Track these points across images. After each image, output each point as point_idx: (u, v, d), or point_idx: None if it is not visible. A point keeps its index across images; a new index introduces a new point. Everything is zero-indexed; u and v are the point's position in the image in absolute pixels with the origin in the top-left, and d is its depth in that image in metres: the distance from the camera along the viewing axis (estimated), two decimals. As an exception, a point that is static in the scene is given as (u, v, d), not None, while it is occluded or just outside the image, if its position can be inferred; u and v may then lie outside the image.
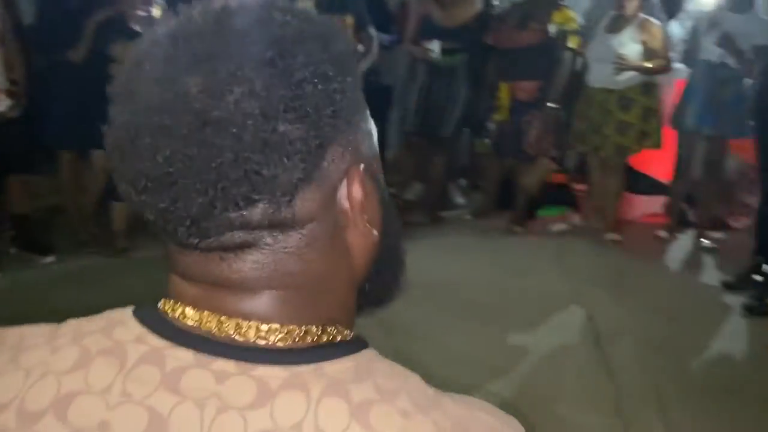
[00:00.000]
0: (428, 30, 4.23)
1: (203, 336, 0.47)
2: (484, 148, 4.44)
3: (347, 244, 0.50)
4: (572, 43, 4.03)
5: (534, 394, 2.51)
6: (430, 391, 0.48)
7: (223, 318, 0.47)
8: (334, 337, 0.49)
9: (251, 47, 0.45)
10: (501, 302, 3.30)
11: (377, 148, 0.53)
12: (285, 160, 0.44)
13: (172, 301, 0.49)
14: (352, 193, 0.48)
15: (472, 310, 3.18)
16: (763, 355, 2.84)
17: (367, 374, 0.47)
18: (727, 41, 3.66)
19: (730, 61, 3.74)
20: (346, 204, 0.49)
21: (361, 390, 0.45)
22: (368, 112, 0.52)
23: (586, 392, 2.55)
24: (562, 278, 3.63)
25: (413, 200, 4.78)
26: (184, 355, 0.46)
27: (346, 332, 0.50)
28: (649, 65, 3.88)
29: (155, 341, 0.47)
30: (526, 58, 4.08)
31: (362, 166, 0.49)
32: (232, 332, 0.47)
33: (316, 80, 0.45)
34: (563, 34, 4.05)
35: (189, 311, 0.48)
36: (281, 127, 0.44)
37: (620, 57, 3.86)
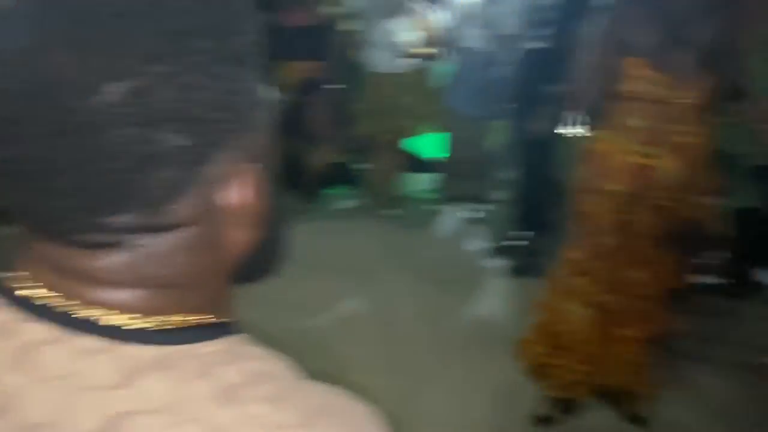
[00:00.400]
0: None
1: (63, 312, 0.41)
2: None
3: (224, 242, 0.46)
4: (346, 25, 4.14)
5: (332, 365, 2.57)
6: (297, 377, 0.47)
7: (84, 303, 0.42)
8: (205, 322, 0.46)
9: (139, 35, 0.38)
10: (293, 276, 3.31)
11: (267, 142, 0.49)
12: (162, 171, 0.39)
13: (29, 280, 0.43)
14: (235, 193, 0.45)
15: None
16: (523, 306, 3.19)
17: (236, 357, 0.45)
18: (487, 28, 4.04)
19: (489, 48, 4.12)
20: (228, 203, 0.45)
21: (228, 373, 0.43)
22: (264, 104, 0.48)
23: (377, 359, 2.67)
24: (346, 253, 3.75)
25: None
26: (40, 330, 0.41)
27: (216, 319, 0.48)
28: (425, 51, 4.13)
29: (6, 313, 0.41)
30: (302, 39, 4.11)
31: (248, 164, 0.45)
32: (94, 314, 0.42)
33: (208, 82, 0.40)
34: (337, 17, 4.14)
35: (46, 292, 0.42)
36: (161, 137, 0.38)
37: (398, 42, 4.07)
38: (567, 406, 2.34)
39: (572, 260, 2.20)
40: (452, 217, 4.54)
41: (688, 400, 2.46)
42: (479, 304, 3.34)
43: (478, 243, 4.07)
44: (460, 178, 4.80)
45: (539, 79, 3.45)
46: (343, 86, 4.40)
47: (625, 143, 1.99)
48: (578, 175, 2.18)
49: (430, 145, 4.87)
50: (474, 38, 4.16)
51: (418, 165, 4.94)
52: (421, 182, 4.95)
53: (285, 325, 2.83)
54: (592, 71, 1.96)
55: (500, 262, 3.69)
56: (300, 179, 4.48)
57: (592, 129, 2.19)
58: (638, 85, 1.92)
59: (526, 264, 3.59)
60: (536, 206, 3.69)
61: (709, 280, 3.22)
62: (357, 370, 2.56)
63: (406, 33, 4.11)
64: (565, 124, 3.81)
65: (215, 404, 0.41)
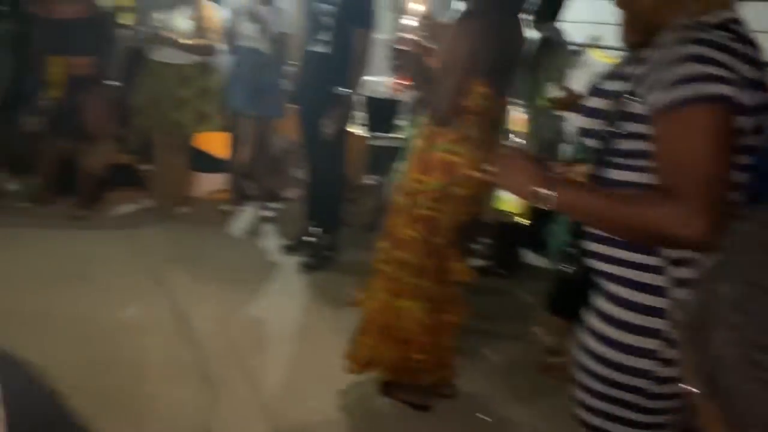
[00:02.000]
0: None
1: None
2: (36, 127, 4.03)
3: None
4: (124, 19, 3.96)
5: (128, 374, 2.48)
6: None
7: None
8: None
9: None
10: (81, 289, 3.12)
11: None
12: None
13: None
14: None
15: (31, 303, 2.93)
16: (319, 303, 3.34)
17: None
18: (259, 27, 4.11)
19: (263, 47, 4.19)
20: None
21: None
22: None
23: (172, 366, 2.63)
24: (137, 259, 3.60)
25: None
26: None
27: None
28: (202, 43, 4.08)
29: None
30: (77, 32, 3.85)
31: None
32: None
33: None
34: (114, 9, 3.95)
35: None
36: None
37: (176, 35, 3.99)
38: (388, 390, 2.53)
39: (385, 250, 2.39)
40: (244, 216, 4.55)
41: (478, 370, 2.78)
42: (273, 301, 3.42)
43: (271, 241, 4.14)
44: (249, 176, 4.82)
45: (323, 81, 3.60)
46: (121, 83, 4.19)
47: (462, 149, 2.25)
48: (399, 172, 2.42)
49: (217, 143, 4.82)
50: (249, 36, 4.20)
51: (208, 164, 4.87)
52: (210, 182, 4.88)
53: (72, 335, 2.68)
54: (449, 88, 2.18)
55: (293, 259, 3.80)
56: (76, 184, 4.18)
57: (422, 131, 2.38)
58: (475, 100, 2.23)
59: (317, 260, 3.74)
60: (327, 203, 3.86)
61: (482, 262, 3.65)
62: (152, 380, 2.50)
63: (181, 23, 4.03)
64: (353, 124, 4.05)
65: None
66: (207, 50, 4.13)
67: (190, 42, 4.04)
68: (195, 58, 4.11)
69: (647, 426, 1.23)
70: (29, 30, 3.94)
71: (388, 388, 2.52)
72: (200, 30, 4.07)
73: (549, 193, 1.16)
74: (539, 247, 2.90)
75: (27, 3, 3.89)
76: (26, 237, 3.71)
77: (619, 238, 1.20)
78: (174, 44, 4.01)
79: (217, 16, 4.23)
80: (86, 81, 3.92)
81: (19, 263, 3.36)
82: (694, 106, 1.06)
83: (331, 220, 3.84)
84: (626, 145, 1.18)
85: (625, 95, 1.16)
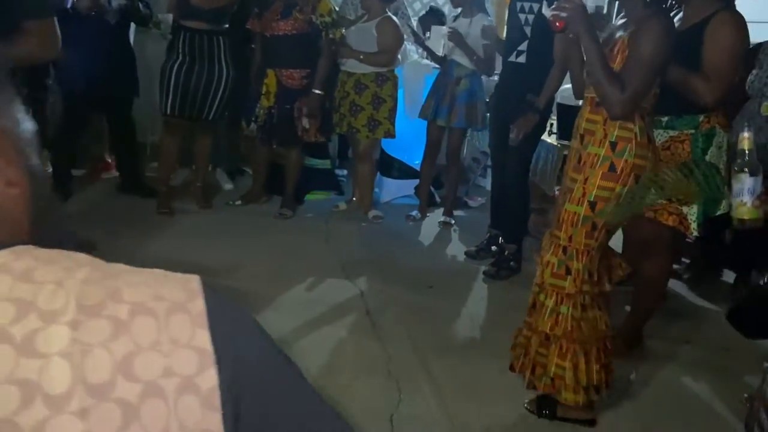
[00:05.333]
0: (186, 10, 4.14)
1: None
2: (251, 133, 4.49)
3: None
4: (335, 34, 4.28)
5: (318, 365, 2.69)
6: (98, 260, 0.58)
7: None
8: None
9: None
10: (274, 280, 3.44)
11: (28, 126, 0.63)
12: None
13: None
14: None
15: (249, 295, 3.26)
16: (501, 313, 3.34)
17: (25, 253, 0.56)
18: (456, 39, 4.19)
19: (462, 60, 4.27)
20: None
21: (20, 262, 0.55)
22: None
23: (362, 360, 2.79)
24: (332, 257, 3.87)
25: (179, 187, 4.66)
26: None
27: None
28: (371, 56, 4.30)
29: None
30: (292, 47, 4.23)
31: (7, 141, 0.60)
32: None
33: None
34: (325, 25, 4.27)
35: None
36: None
37: (356, 47, 4.27)
38: None
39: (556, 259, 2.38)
40: (432, 222, 4.67)
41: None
42: (461, 306, 3.47)
43: (456, 248, 4.21)
44: (437, 184, 4.95)
45: (518, 91, 3.61)
46: (328, 92, 4.52)
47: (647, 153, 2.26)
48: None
49: (410, 151, 5.01)
50: (448, 50, 4.31)
51: (397, 171, 5.09)
52: (400, 188, 5.08)
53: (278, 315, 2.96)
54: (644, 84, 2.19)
55: (477, 267, 3.84)
56: (283, 185, 4.58)
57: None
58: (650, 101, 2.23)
59: (501, 269, 3.74)
60: (512, 213, 3.84)
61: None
62: (346, 372, 2.68)
63: (365, 40, 4.28)
64: (545, 133, 4.00)
65: (16, 281, 0.53)
66: (384, 61, 4.33)
67: (368, 53, 4.28)
68: (373, 69, 4.33)
69: None
70: (246, 45, 4.43)
71: (549, 404, 2.45)
72: (381, 45, 4.29)
73: None
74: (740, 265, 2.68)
75: (244, 21, 4.35)
76: (237, 232, 4.16)
77: None
78: (352, 55, 4.30)
79: (400, 30, 4.43)
80: (297, 91, 4.29)
81: (239, 254, 3.77)
82: None
83: (516, 230, 3.82)
84: None
85: None
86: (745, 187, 1.29)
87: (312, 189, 4.87)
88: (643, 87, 2.12)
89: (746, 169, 1.29)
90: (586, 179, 2.25)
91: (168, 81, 4.18)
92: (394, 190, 5.04)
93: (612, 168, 2.21)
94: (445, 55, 4.35)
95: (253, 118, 4.43)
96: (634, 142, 2.20)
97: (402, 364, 2.78)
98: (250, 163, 4.96)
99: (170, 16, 4.34)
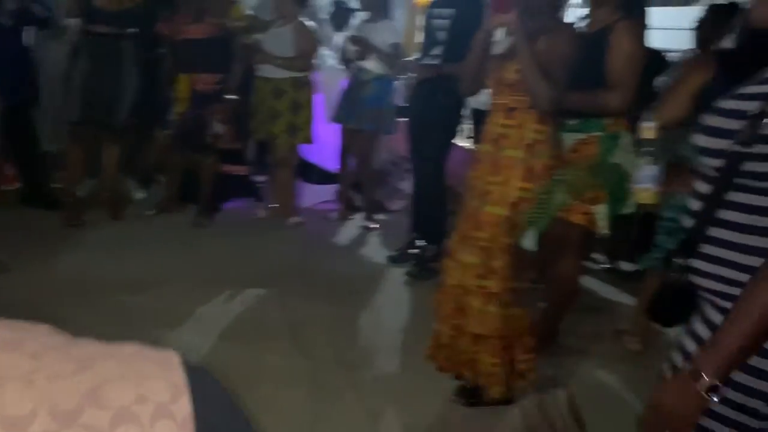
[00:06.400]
0: (89, 12, 3.97)
1: None
2: (165, 140, 4.35)
3: None
4: (248, 39, 4.21)
5: (238, 379, 2.62)
6: (63, 336, 0.49)
7: None
8: None
9: None
10: (192, 294, 3.34)
11: None
12: None
13: None
14: None
15: (166, 312, 3.15)
16: (423, 315, 3.37)
17: None
18: (359, 42, 4.22)
19: (370, 65, 4.30)
20: None
21: None
22: None
23: (283, 372, 2.74)
24: (252, 267, 3.79)
25: (87, 197, 4.44)
26: None
27: None
28: (287, 61, 4.26)
29: None
30: (204, 51, 4.12)
31: None
32: None
33: None
34: (238, 29, 4.19)
35: None
36: None
37: (272, 52, 4.22)
38: None
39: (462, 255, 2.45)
40: (352, 226, 4.67)
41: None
42: (379, 310, 3.47)
43: (377, 251, 4.22)
44: (357, 188, 4.95)
45: (433, 95, 3.66)
46: (243, 97, 4.44)
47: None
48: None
49: (328, 156, 4.98)
50: (354, 54, 4.34)
51: (317, 176, 5.06)
52: (321, 193, 5.05)
53: (197, 335, 2.86)
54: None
55: (399, 270, 3.86)
56: (199, 193, 4.46)
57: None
58: None
59: (422, 270, 3.77)
60: (431, 215, 3.89)
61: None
62: (268, 383, 2.62)
63: (282, 44, 4.25)
64: (459, 137, 4.07)
65: None
66: (301, 66, 4.30)
67: (285, 58, 4.24)
68: (290, 74, 4.29)
69: None
70: (157, 49, 4.29)
71: (475, 392, 2.51)
72: (299, 50, 4.25)
73: (710, 383, 1.07)
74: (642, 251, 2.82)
75: (153, 24, 4.21)
76: (151, 243, 4.01)
77: (733, 259, 1.18)
78: (270, 61, 4.24)
79: (324, 37, 4.42)
80: (210, 96, 4.18)
81: (151, 266, 3.63)
82: None
83: (435, 231, 3.87)
84: (760, 167, 1.15)
85: (757, 115, 1.13)
86: (646, 174, 1.36)
87: (230, 196, 4.76)
88: (636, 82, 2.44)
89: (648, 158, 1.36)
90: (505, 181, 2.33)
91: (72, 87, 3.98)
92: (314, 195, 5.00)
93: (529, 169, 2.29)
94: (351, 59, 4.36)
95: (166, 124, 4.29)
96: (548, 143, 2.29)
97: (324, 373, 2.75)
98: (163, 171, 4.80)
99: (75, 21, 4.15)
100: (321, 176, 5.04)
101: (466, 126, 4.41)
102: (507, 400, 2.51)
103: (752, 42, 1.69)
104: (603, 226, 2.67)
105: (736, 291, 1.18)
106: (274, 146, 4.50)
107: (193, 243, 4.10)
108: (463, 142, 4.43)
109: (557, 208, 2.65)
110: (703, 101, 2.31)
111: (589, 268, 3.87)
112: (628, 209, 2.69)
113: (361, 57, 4.28)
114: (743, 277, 1.17)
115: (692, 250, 1.26)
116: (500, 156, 2.36)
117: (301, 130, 4.40)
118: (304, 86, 4.39)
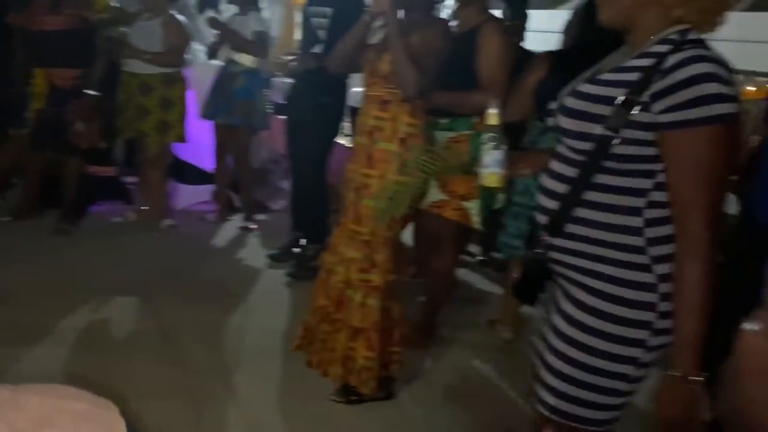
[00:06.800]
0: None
1: None
2: (21, 140, 4.02)
3: None
4: (113, 32, 3.98)
5: (108, 394, 2.46)
6: (5, 391, 0.47)
7: None
8: None
9: None
10: (53, 305, 3.11)
11: None
12: None
13: None
14: None
15: (26, 327, 2.92)
16: (305, 311, 3.34)
17: None
18: (217, 26, 4.14)
19: (239, 57, 4.20)
20: None
21: None
22: None
23: (157, 383, 2.60)
24: (122, 274, 3.59)
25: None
26: None
27: None
28: (156, 56, 4.08)
29: None
30: (62, 44, 3.85)
31: None
32: None
33: None
34: (102, 22, 3.95)
35: None
36: None
37: (139, 46, 4.04)
38: None
39: (336, 247, 2.49)
40: (230, 227, 4.54)
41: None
42: (259, 313, 3.39)
43: (257, 252, 4.13)
44: (237, 188, 4.82)
45: (312, 93, 3.62)
46: (107, 92, 4.18)
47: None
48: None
49: (203, 155, 4.81)
50: (224, 47, 4.23)
51: (191, 176, 4.87)
52: (196, 194, 4.87)
53: (59, 346, 2.66)
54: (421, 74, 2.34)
55: (280, 270, 3.80)
56: (61, 196, 4.15)
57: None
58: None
59: (304, 270, 3.73)
60: (312, 214, 3.85)
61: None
62: (139, 396, 2.49)
63: (150, 38, 4.08)
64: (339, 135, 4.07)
65: None
66: (171, 61, 4.14)
67: (153, 53, 4.06)
68: (159, 69, 4.12)
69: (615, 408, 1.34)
70: (14, 43, 3.95)
71: (345, 392, 2.52)
72: (168, 44, 4.08)
73: (698, 378, 1.20)
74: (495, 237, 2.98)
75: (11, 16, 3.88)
76: (7, 252, 3.69)
77: (599, 237, 1.27)
78: (138, 56, 4.05)
79: (194, 29, 4.26)
80: (70, 92, 3.91)
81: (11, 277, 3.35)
82: (712, 126, 1.15)
83: (316, 230, 3.84)
84: (623, 150, 1.24)
85: (625, 103, 1.21)
86: (492, 158, 1.44)
87: (96, 199, 4.47)
88: (506, 81, 2.59)
89: (492, 143, 1.44)
90: (381, 175, 2.36)
91: None
92: (189, 196, 4.82)
93: (404, 163, 2.33)
94: (214, 48, 4.27)
95: (22, 123, 3.97)
96: (420, 137, 2.34)
97: (200, 381, 2.65)
98: (20, 174, 4.43)
99: None
100: (196, 176, 4.86)
101: (347, 124, 4.41)
102: (386, 396, 2.56)
103: (592, 39, 1.82)
104: (476, 222, 2.76)
105: (601, 268, 1.28)
106: (144, 145, 4.29)
107: (54, 250, 3.82)
108: (343, 140, 4.43)
109: (432, 204, 2.72)
110: (539, 98, 2.50)
111: (466, 261, 4.00)
112: (499, 204, 2.80)
113: (221, 43, 4.16)
114: (610, 254, 1.27)
115: (557, 231, 1.33)
116: (375, 149, 2.39)
117: (173, 128, 4.22)
118: (175, 82, 4.21)
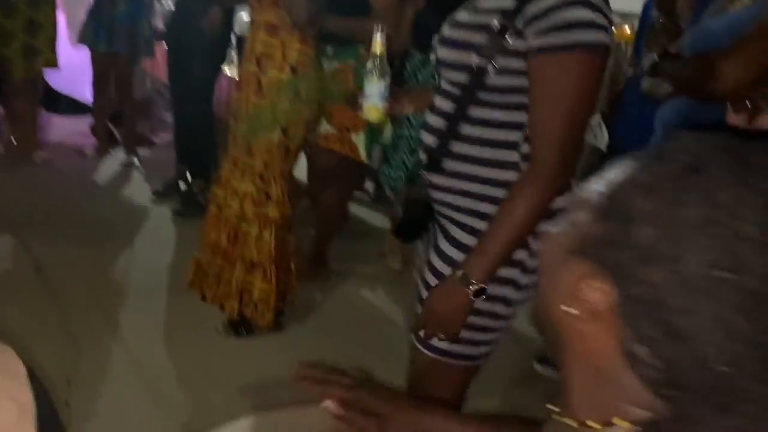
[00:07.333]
0: None
1: None
2: None
3: None
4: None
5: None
6: None
7: None
8: None
9: None
10: None
11: None
12: None
13: None
14: None
15: None
16: (190, 252, 3.26)
17: None
18: None
19: None
20: None
21: None
22: None
23: (34, 322, 2.48)
24: None
25: None
26: None
27: None
28: None
29: None
30: None
31: None
32: None
33: None
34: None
35: None
36: None
37: None
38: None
39: (226, 180, 2.43)
40: (111, 162, 4.30)
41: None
42: (143, 251, 3.28)
43: (140, 188, 3.95)
44: (116, 119, 4.55)
45: (195, 19, 3.42)
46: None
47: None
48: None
49: (81, 84, 4.48)
50: None
51: (67, 106, 4.53)
52: (73, 125, 4.55)
53: None
54: None
55: (165, 207, 3.66)
56: None
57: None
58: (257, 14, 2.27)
59: (190, 206, 3.62)
60: (198, 146, 3.71)
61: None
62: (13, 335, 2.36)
63: None
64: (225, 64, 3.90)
65: None
66: None
67: None
68: None
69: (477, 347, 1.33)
70: None
71: (243, 323, 2.53)
72: None
73: (478, 286, 1.19)
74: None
75: None
76: None
77: (476, 174, 1.24)
78: None
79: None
80: None
81: None
82: (578, 53, 1.11)
83: (202, 164, 3.71)
84: (498, 81, 1.18)
85: (499, 30, 1.16)
86: (375, 90, 1.37)
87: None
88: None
89: (376, 73, 1.36)
90: (272, 104, 2.29)
91: None
92: (64, 128, 4.50)
93: (296, 93, 2.28)
94: None
95: None
96: (311, 66, 2.28)
97: (81, 321, 2.55)
98: None
99: None
100: (71, 106, 4.54)
101: (233, 53, 4.22)
102: (276, 327, 2.57)
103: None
104: (363, 155, 2.77)
105: (479, 206, 1.23)
106: (9, 72, 3.92)
107: None
108: (229, 69, 4.25)
109: (320, 138, 2.69)
110: (418, 30, 2.49)
111: (359, 197, 4.02)
112: (386, 138, 2.81)
113: None
114: (487, 191, 1.23)
115: (435, 167, 1.27)
116: (264, 77, 2.32)
117: (42, 53, 3.88)
118: (42, 3, 3.85)
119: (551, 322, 0.61)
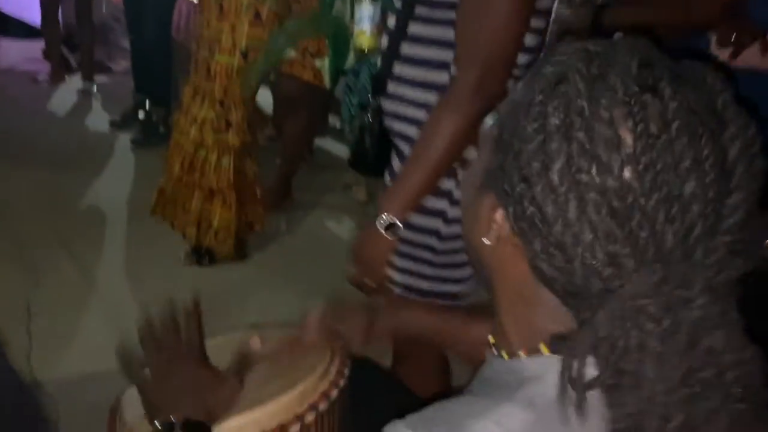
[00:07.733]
0: None
1: None
2: None
3: None
4: None
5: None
6: None
7: None
8: None
9: None
10: None
11: None
12: None
13: None
14: None
15: None
16: (151, 182, 3.20)
17: None
18: None
19: None
20: None
21: None
22: None
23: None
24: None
25: None
26: None
27: None
28: None
29: None
30: None
31: None
32: None
33: None
34: None
35: None
36: None
37: None
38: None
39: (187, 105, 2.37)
40: (66, 89, 4.14)
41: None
42: (101, 182, 3.20)
43: (97, 117, 3.82)
44: (71, 45, 4.36)
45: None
46: None
47: None
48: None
49: (33, 8, 4.26)
50: None
51: (17, 30, 4.32)
52: (25, 50, 4.35)
53: None
54: None
55: (123, 136, 3.56)
56: None
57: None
58: None
59: (150, 135, 3.52)
60: (156, 73, 3.59)
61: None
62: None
63: None
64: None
65: None
66: None
67: None
68: None
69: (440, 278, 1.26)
70: None
71: (205, 252, 2.51)
72: None
73: (389, 221, 1.11)
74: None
75: None
76: None
77: (416, 97, 1.16)
78: None
79: None
80: None
81: None
82: None
83: (162, 91, 3.59)
84: None
85: None
86: (365, 14, 1.29)
87: None
88: None
89: None
90: (233, 27, 2.25)
91: None
92: (15, 53, 4.30)
93: (257, 15, 2.23)
94: None
95: None
96: None
97: (38, 250, 2.50)
98: None
99: None
100: (22, 30, 4.33)
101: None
102: (240, 256, 2.56)
103: None
104: (327, 81, 2.70)
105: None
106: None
107: None
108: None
109: (278, 57, 2.61)
110: None
111: (325, 129, 3.95)
112: (349, 64, 2.74)
113: None
114: (426, 116, 1.14)
115: (381, 91, 1.21)
116: (226, 1, 2.24)
117: None
118: None
119: (478, 258, 0.63)
